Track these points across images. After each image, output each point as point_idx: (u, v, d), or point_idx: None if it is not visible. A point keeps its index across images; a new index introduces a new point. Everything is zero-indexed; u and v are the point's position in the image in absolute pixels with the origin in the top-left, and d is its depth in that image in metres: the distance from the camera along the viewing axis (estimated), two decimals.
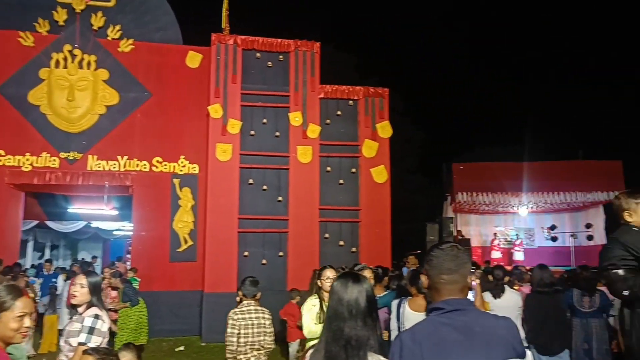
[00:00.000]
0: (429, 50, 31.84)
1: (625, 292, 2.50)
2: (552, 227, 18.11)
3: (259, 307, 4.83)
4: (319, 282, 4.63)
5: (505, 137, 25.56)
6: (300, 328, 6.72)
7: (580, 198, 16.48)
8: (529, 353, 2.04)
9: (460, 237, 17.03)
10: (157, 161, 11.24)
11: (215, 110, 10.99)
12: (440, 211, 18.59)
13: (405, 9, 33.12)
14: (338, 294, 2.21)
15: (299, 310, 7.90)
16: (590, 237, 17.36)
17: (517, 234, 18.65)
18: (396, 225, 12.22)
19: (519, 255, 17.66)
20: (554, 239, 18.06)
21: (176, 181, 11.26)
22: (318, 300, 4.61)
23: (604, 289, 7.22)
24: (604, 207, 17.46)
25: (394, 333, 4.81)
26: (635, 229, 2.66)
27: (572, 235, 17.39)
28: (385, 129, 11.82)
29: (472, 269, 2.46)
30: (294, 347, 8.25)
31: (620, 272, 2.53)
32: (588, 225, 17.47)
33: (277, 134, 11.31)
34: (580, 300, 6.41)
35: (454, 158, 17.79)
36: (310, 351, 2.21)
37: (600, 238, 17.43)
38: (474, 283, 2.40)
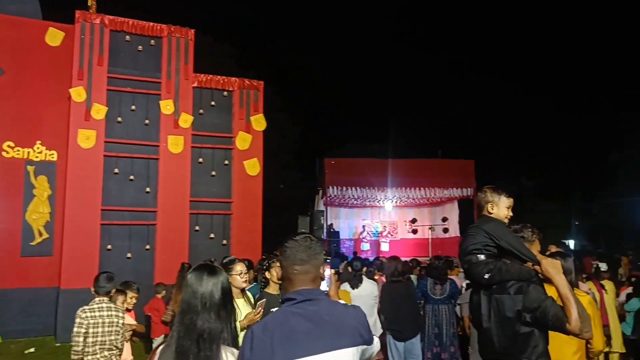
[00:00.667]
0: (307, 48, 32.44)
1: (486, 276, 2.64)
2: (413, 221, 19.48)
3: (111, 305, 4.59)
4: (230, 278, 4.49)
5: (374, 135, 26.99)
6: (165, 323, 6.54)
7: (438, 194, 17.92)
8: (376, 340, 2.13)
9: (331, 230, 17.66)
10: (9, 146, 10.18)
11: (77, 94, 10.20)
12: (313, 205, 19.12)
13: (287, 6, 33.39)
14: (192, 287, 2.17)
15: (164, 305, 7.69)
16: (445, 230, 18.94)
17: (382, 227, 19.73)
18: (270, 219, 12.35)
19: (385, 247, 18.74)
20: (414, 231, 19.42)
21: (30, 168, 10.28)
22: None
23: (454, 277, 7.99)
24: (459, 202, 19.19)
25: None
26: (497, 220, 2.87)
27: (430, 228, 18.82)
28: (259, 122, 11.84)
29: (327, 258, 2.56)
30: (158, 342, 7.99)
31: (482, 256, 2.70)
32: (444, 219, 19.06)
33: (147, 122, 10.81)
34: (432, 288, 7.00)
35: (327, 154, 18.37)
36: (161, 347, 2.16)
37: (454, 231, 19.13)
38: (327, 273, 2.47)
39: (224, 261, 5.08)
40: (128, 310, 5.21)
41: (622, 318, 7.56)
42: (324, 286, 2.35)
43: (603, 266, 7.96)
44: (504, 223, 2.89)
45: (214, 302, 2.15)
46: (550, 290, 2.64)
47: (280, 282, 2.30)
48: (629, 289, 8.09)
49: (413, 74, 36.46)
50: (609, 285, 7.12)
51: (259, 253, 10.92)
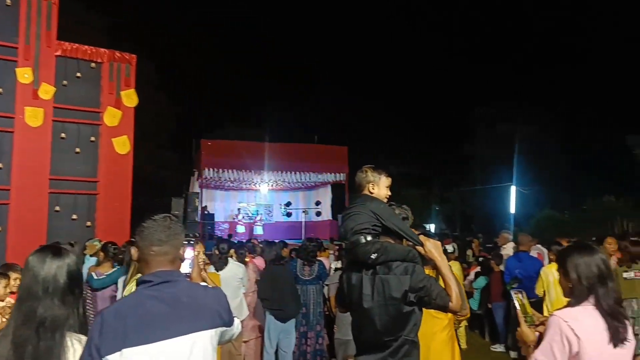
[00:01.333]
0: (186, 28, 31.27)
1: (373, 256, 2.57)
2: (288, 204, 19.85)
3: None
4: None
5: (252, 119, 26.93)
6: None
7: (312, 178, 18.43)
8: (237, 321, 2.14)
9: (205, 212, 17.39)
10: None
11: None
12: (188, 187, 18.67)
13: None
14: (33, 270, 1.99)
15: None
16: (318, 213, 19.56)
17: (257, 210, 19.85)
18: (142, 200, 11.84)
19: (258, 230, 18.88)
20: (289, 214, 19.80)
21: None
22: None
23: (323, 259, 8.32)
24: (332, 186, 19.91)
25: None
26: (379, 200, 2.82)
27: (303, 212, 19.29)
28: (130, 98, 11.24)
29: (191, 241, 2.50)
30: None
31: (370, 237, 2.63)
32: (317, 203, 19.66)
33: (0, 90, 9.78)
34: (302, 269, 7.24)
35: (204, 135, 17.99)
36: None
37: (327, 214, 19.84)
38: (189, 255, 2.43)
39: (86, 243, 4.82)
40: (12, 293, 4.78)
41: (470, 295, 8.44)
42: (186, 268, 2.33)
43: (449, 248, 8.74)
44: (385, 203, 2.87)
45: (59, 287, 1.97)
46: (426, 271, 2.73)
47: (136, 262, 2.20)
48: (478, 269, 9.02)
49: (293, 59, 36.82)
50: (455, 265, 7.86)
51: (127, 235, 10.45)
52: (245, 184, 19.40)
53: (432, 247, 2.65)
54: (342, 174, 18.27)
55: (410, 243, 2.69)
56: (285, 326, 6.05)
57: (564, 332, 2.25)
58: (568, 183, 25.19)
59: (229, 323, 2.05)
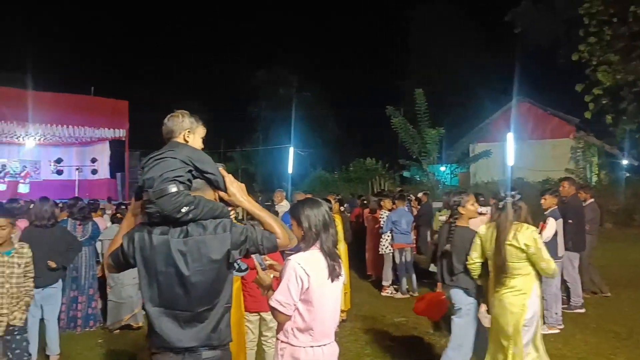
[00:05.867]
0: None
1: (184, 209, 2.23)
2: (59, 161, 18.08)
3: None
4: None
5: (11, 61, 23.39)
6: None
7: (88, 133, 17.05)
8: None
9: None
10: None
11: None
12: None
13: None
14: None
15: None
16: (94, 171, 18.26)
17: (23, 166, 17.70)
18: None
19: (24, 188, 16.93)
20: (59, 172, 18.10)
21: None
22: None
23: (98, 219, 7.98)
24: (110, 143, 18.71)
25: None
26: (193, 147, 2.47)
27: (77, 169, 17.84)
28: None
29: None
30: None
31: (181, 186, 2.25)
32: (94, 160, 18.28)
33: None
34: (74, 229, 6.87)
35: None
36: None
37: (104, 172, 18.64)
38: None
39: None
40: None
41: None
42: None
43: None
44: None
45: None
46: None
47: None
48: None
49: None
50: None
51: None
52: (7, 137, 17.00)
53: (237, 190, 2.44)
54: (122, 130, 17.26)
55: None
56: (49, 291, 5.51)
57: (297, 272, 2.65)
58: (337, 146, 28.08)
59: None
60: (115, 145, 18.50)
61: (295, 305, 2.67)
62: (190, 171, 2.32)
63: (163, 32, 35.46)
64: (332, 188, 20.41)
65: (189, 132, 2.51)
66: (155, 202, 2.25)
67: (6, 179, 16.91)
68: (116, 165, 18.51)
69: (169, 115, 2.57)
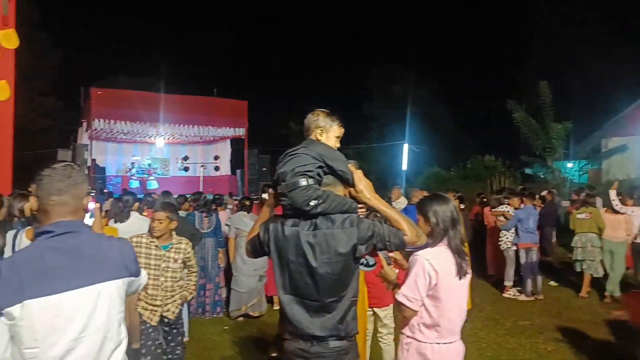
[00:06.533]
0: None
1: (312, 203, 2.30)
2: (185, 158, 19.36)
3: None
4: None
5: (146, 68, 25.52)
6: None
7: (211, 132, 18.04)
8: (143, 272, 2.15)
9: (95, 166, 16.52)
10: None
11: None
12: (75, 138, 17.55)
13: None
14: None
15: None
16: (217, 168, 19.31)
17: (149, 164, 19.17)
18: (20, 151, 10.98)
19: (153, 184, 18.32)
20: (186, 169, 19.36)
21: None
22: None
23: (221, 213, 8.37)
24: (231, 141, 19.69)
25: None
26: (326, 144, 2.55)
27: (202, 166, 18.96)
28: (9, 39, 10.19)
29: (91, 191, 2.41)
30: None
31: (311, 180, 2.35)
32: (216, 157, 19.37)
33: None
34: (200, 221, 7.28)
35: (93, 83, 16.83)
36: None
37: (225, 169, 19.65)
38: (91, 206, 2.36)
39: None
40: None
41: None
42: (87, 220, 2.29)
43: None
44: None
45: None
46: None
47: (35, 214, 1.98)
48: None
49: (192, 9, 35.22)
50: None
51: (9, 188, 9.73)
52: (140, 137, 18.56)
53: (365, 188, 2.46)
54: (241, 129, 18.05)
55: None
56: None
57: (425, 268, 2.66)
58: (454, 143, 27.13)
59: (136, 273, 2.05)
60: (236, 143, 19.40)
61: (422, 300, 2.69)
62: (320, 167, 2.42)
63: (280, 34, 36.64)
64: (448, 185, 19.71)
65: (321, 130, 2.60)
66: (287, 195, 2.38)
67: (137, 176, 18.39)
68: (236, 162, 19.40)
69: (309, 114, 2.67)
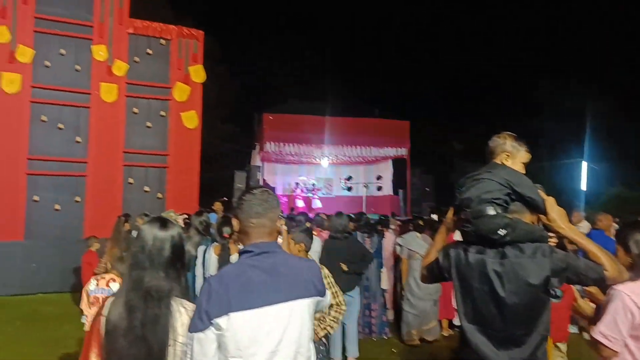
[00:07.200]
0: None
1: (501, 232, 2.18)
2: (349, 178, 19.84)
3: None
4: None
5: (312, 92, 26.82)
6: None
7: (373, 153, 18.29)
8: (328, 292, 2.21)
9: (266, 186, 17.69)
10: None
11: (0, 34, 9.47)
12: (249, 160, 19.02)
13: None
14: (141, 241, 2.11)
15: (97, 258, 7.54)
16: (379, 188, 19.46)
17: (313, 184, 19.94)
18: (204, 172, 12.18)
19: (317, 203, 19.04)
20: (349, 188, 19.81)
21: None
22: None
23: (386, 234, 8.31)
24: (393, 161, 19.73)
25: (199, 279, 4.93)
26: (512, 169, 2.43)
27: (365, 186, 19.25)
28: (198, 73, 11.49)
29: (281, 214, 2.55)
30: None
31: (499, 209, 2.24)
32: (379, 177, 19.54)
33: (78, 67, 10.24)
34: (362, 241, 7.27)
35: (265, 109, 18.15)
36: (111, 298, 2.13)
37: (388, 189, 19.72)
38: (282, 227, 2.50)
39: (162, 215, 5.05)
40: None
41: None
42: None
43: None
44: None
45: (162, 260, 2.09)
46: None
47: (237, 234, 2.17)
48: None
49: (357, 34, 36.39)
50: None
51: (196, 207, 10.83)
52: (306, 158, 19.52)
53: (557, 216, 2.28)
54: (403, 149, 18.04)
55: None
56: (346, 299, 5.93)
57: (627, 305, 2.37)
58: (638, 159, 23.84)
59: (323, 293, 2.13)
60: (398, 163, 19.37)
61: (623, 340, 2.40)
62: (508, 194, 2.29)
63: (439, 51, 36.08)
64: (633, 207, 17.37)
65: (507, 155, 2.52)
66: (472, 222, 2.29)
67: (302, 195, 19.28)
68: (398, 182, 19.34)
69: (494, 136, 2.59)
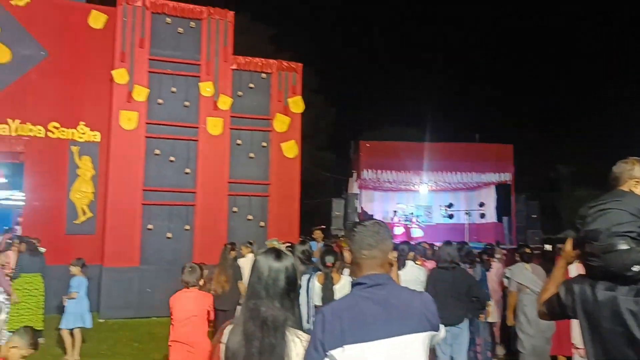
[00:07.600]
0: (344, 29, 32.15)
1: (635, 268, 1.99)
2: (449, 205, 19.24)
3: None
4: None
5: (410, 118, 26.59)
6: None
7: (475, 178, 17.63)
8: (442, 326, 2.10)
9: (364, 213, 17.62)
10: (54, 126, 10.45)
11: (120, 75, 10.38)
12: (346, 187, 19.08)
13: None
14: (257, 272, 2.16)
15: (204, 283, 7.83)
16: (482, 215, 18.65)
17: (412, 212, 19.55)
18: (303, 200, 12.38)
19: (418, 232, 18.61)
20: (450, 216, 19.19)
21: (74, 149, 10.56)
22: None
23: (494, 264, 7.89)
24: (496, 187, 18.87)
25: (303, 308, 4.93)
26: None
27: (466, 213, 18.55)
28: (297, 104, 11.83)
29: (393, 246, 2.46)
30: None
31: (633, 243, 2.04)
32: (481, 204, 18.74)
33: (187, 103, 10.94)
34: None
35: (362, 136, 18.25)
36: (230, 326, 2.17)
37: (491, 216, 18.84)
38: (394, 259, 2.42)
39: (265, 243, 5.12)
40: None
41: None
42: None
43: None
44: None
45: (278, 291, 2.12)
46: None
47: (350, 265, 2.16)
48: None
49: (454, 57, 35.84)
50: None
51: (297, 235, 11.00)
52: (404, 185, 19.24)
53: None
54: (507, 174, 17.23)
55: None
56: (454, 330, 5.69)
57: None
58: None
59: (437, 328, 2.04)
60: (501, 189, 18.52)
61: None
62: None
63: (543, 75, 34.43)
64: None
65: (636, 182, 2.34)
66: (600, 257, 2.09)
67: (401, 222, 18.94)
68: (502, 208, 18.44)
69: (619, 162, 2.41)
